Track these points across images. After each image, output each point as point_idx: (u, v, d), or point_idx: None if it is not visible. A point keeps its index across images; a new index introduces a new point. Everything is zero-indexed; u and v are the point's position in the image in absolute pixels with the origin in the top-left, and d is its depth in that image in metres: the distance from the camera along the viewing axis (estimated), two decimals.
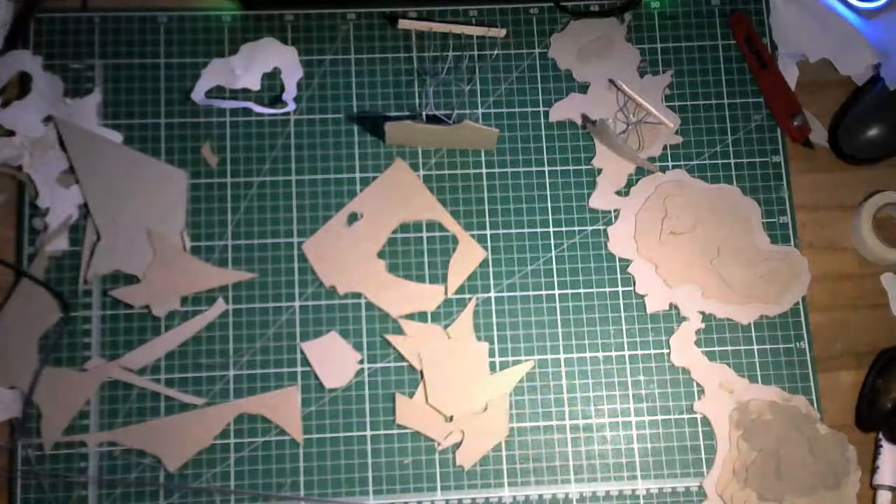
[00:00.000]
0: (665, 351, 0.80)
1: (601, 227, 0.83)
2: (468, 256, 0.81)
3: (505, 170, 0.83)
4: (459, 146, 0.83)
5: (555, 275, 0.81)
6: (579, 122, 0.84)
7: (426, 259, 0.81)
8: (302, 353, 0.78)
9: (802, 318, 0.81)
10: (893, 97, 0.78)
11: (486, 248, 0.81)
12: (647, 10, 0.87)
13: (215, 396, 0.77)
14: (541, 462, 0.78)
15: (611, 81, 0.84)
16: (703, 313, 0.81)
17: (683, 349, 0.80)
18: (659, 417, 0.79)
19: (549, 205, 0.83)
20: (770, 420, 0.78)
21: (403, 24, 0.79)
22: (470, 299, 0.80)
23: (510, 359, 0.80)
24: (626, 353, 0.80)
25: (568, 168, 0.84)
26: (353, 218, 0.81)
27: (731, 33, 0.87)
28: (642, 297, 0.81)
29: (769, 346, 0.81)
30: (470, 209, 0.82)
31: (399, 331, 0.79)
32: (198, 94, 0.82)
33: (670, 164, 0.84)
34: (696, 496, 0.78)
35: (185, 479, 0.75)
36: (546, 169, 0.84)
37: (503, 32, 0.81)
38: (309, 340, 0.79)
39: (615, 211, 0.83)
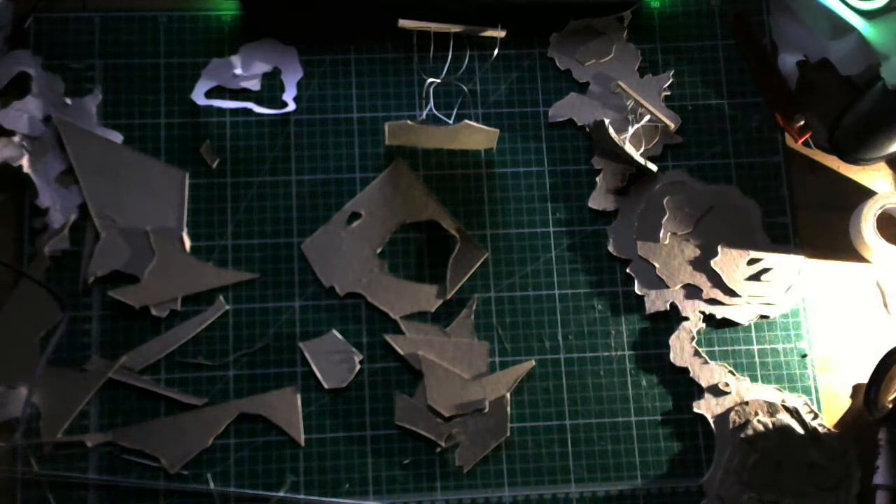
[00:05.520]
0: (665, 351, 0.80)
1: (601, 227, 0.83)
2: (468, 256, 0.81)
3: (505, 170, 0.83)
4: (459, 146, 0.83)
5: (555, 275, 0.81)
6: (579, 122, 0.84)
7: (426, 259, 0.81)
8: (302, 352, 0.78)
9: (802, 318, 0.81)
10: (893, 97, 0.78)
11: (486, 248, 0.81)
12: (647, 10, 0.87)
13: (215, 396, 0.77)
14: (541, 462, 0.78)
15: (615, 84, 0.85)
16: (703, 313, 0.81)
17: (683, 349, 0.80)
18: (659, 417, 0.79)
19: (549, 205, 0.83)
20: (769, 420, 0.78)
21: (403, 23, 0.79)
22: (470, 299, 0.80)
23: (510, 359, 0.80)
24: (626, 353, 0.80)
25: (568, 168, 0.84)
26: (353, 218, 0.81)
27: (731, 33, 0.87)
28: (642, 297, 0.81)
29: (769, 346, 0.81)
30: (470, 209, 0.82)
31: (399, 331, 0.79)
32: (198, 94, 0.82)
33: (670, 164, 0.84)
34: (695, 496, 0.78)
35: (185, 480, 0.75)
36: (546, 169, 0.84)
37: (503, 32, 0.81)
38: (309, 340, 0.79)
39: (615, 211, 0.83)
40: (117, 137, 0.81)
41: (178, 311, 0.78)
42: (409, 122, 0.79)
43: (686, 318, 0.81)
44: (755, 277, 0.81)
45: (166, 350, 0.78)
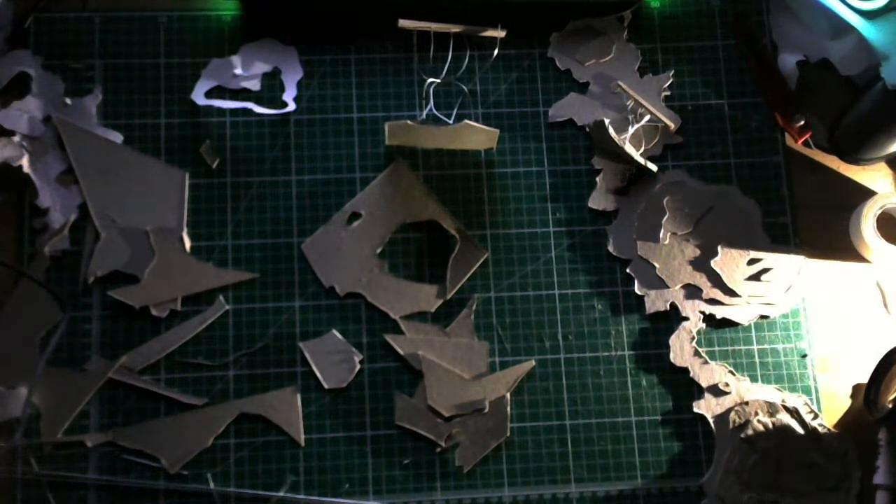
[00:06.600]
0: (665, 351, 0.80)
1: (601, 227, 0.83)
2: (468, 256, 0.81)
3: (505, 170, 0.83)
4: (459, 146, 0.83)
5: (555, 275, 0.81)
6: (579, 122, 0.84)
7: (426, 259, 0.81)
8: (302, 352, 0.78)
9: (802, 318, 0.81)
10: (893, 97, 0.78)
11: (486, 248, 0.81)
12: (647, 10, 0.87)
13: (215, 396, 0.77)
14: (541, 462, 0.78)
15: (615, 84, 0.85)
16: (702, 313, 0.81)
17: (683, 349, 0.80)
18: (659, 417, 0.79)
19: (549, 205, 0.83)
20: (769, 420, 0.78)
21: (403, 23, 0.79)
22: (470, 299, 0.80)
23: (510, 359, 0.80)
24: (626, 353, 0.80)
25: (568, 168, 0.84)
26: (353, 218, 0.81)
27: (731, 33, 0.87)
28: (642, 297, 0.81)
29: (769, 346, 0.81)
30: (470, 209, 0.82)
31: (399, 331, 0.79)
32: (198, 94, 0.82)
33: (670, 164, 0.84)
34: (695, 496, 0.78)
35: (185, 480, 0.75)
36: (546, 169, 0.84)
37: (503, 32, 0.81)
38: (309, 340, 0.79)
39: (615, 211, 0.83)
40: (117, 137, 0.81)
41: (178, 311, 0.78)
42: (409, 122, 0.79)
43: (686, 318, 0.81)
44: (755, 277, 0.82)
45: (166, 350, 0.78)
